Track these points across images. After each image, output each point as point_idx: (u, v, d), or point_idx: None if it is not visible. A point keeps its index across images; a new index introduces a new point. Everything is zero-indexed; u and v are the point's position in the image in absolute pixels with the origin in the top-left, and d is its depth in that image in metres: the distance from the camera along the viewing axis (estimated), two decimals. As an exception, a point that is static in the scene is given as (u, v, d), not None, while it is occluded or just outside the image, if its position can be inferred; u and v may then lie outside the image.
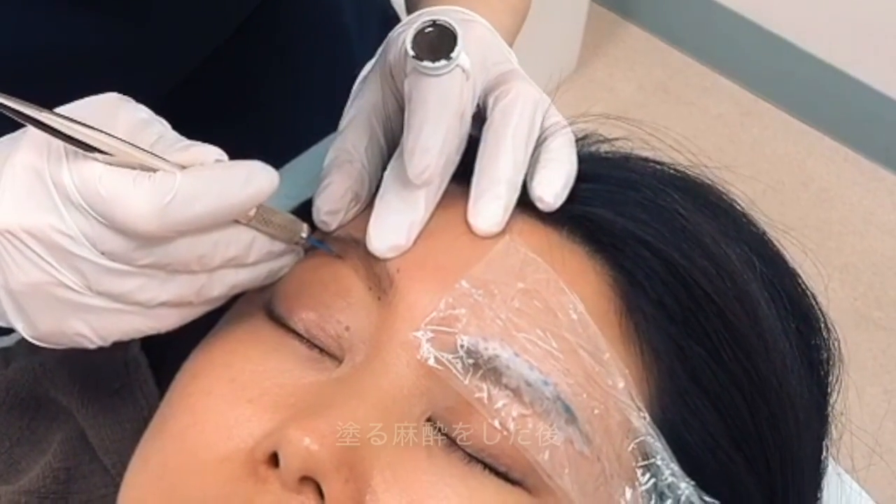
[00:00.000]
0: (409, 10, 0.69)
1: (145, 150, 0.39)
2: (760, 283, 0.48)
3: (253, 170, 0.41)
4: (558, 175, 0.48)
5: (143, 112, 0.42)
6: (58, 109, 0.41)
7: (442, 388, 0.42)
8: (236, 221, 0.42)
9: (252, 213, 0.42)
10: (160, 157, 0.40)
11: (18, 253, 0.39)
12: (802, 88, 2.03)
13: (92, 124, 0.39)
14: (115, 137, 0.39)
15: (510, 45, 0.58)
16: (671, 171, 0.53)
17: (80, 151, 0.38)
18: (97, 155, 0.38)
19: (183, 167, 0.40)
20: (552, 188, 0.47)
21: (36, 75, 0.52)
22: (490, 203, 0.46)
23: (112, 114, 0.41)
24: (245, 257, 0.43)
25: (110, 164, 0.39)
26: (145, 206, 0.38)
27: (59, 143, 0.39)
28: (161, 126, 0.42)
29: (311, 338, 0.45)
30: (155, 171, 0.39)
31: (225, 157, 0.42)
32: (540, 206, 0.47)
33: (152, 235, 0.39)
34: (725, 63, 2.12)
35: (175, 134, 0.42)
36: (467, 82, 0.45)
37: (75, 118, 0.39)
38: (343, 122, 0.52)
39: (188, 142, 0.42)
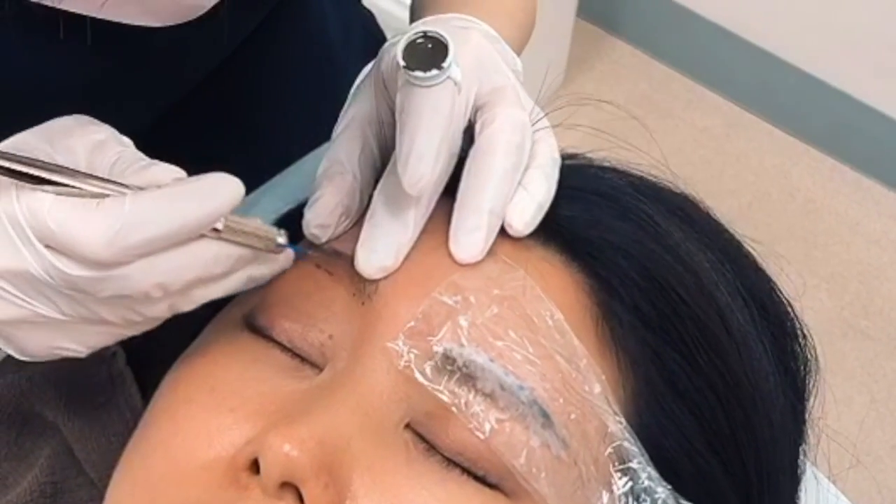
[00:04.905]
0: (413, 16, 0.69)
1: (96, 177, 0.39)
2: (734, 289, 0.49)
3: (210, 184, 0.40)
4: (531, 203, 0.47)
5: (101, 133, 0.42)
6: (14, 137, 0.40)
7: (420, 394, 0.43)
8: (203, 236, 0.41)
9: (220, 226, 0.41)
10: (114, 182, 0.39)
11: None
12: (787, 100, 2.04)
13: (49, 149, 0.39)
14: (65, 169, 0.38)
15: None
16: (647, 182, 0.53)
17: (28, 185, 0.37)
18: (46, 187, 0.37)
19: (141, 190, 0.39)
20: (523, 216, 0.47)
21: (26, 105, 0.52)
22: (471, 234, 0.46)
23: (68, 138, 0.41)
24: (211, 273, 0.42)
25: (60, 194, 0.38)
26: (94, 234, 0.37)
27: (6, 180, 0.38)
28: (120, 146, 0.42)
29: (294, 348, 0.46)
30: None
31: (183, 174, 0.41)
32: (510, 231, 0.47)
33: (106, 263, 0.38)
34: (710, 76, 2.13)
35: (135, 153, 0.42)
36: (459, 95, 0.45)
37: (26, 146, 0.38)
38: (336, 131, 0.51)
39: (147, 161, 0.41)
